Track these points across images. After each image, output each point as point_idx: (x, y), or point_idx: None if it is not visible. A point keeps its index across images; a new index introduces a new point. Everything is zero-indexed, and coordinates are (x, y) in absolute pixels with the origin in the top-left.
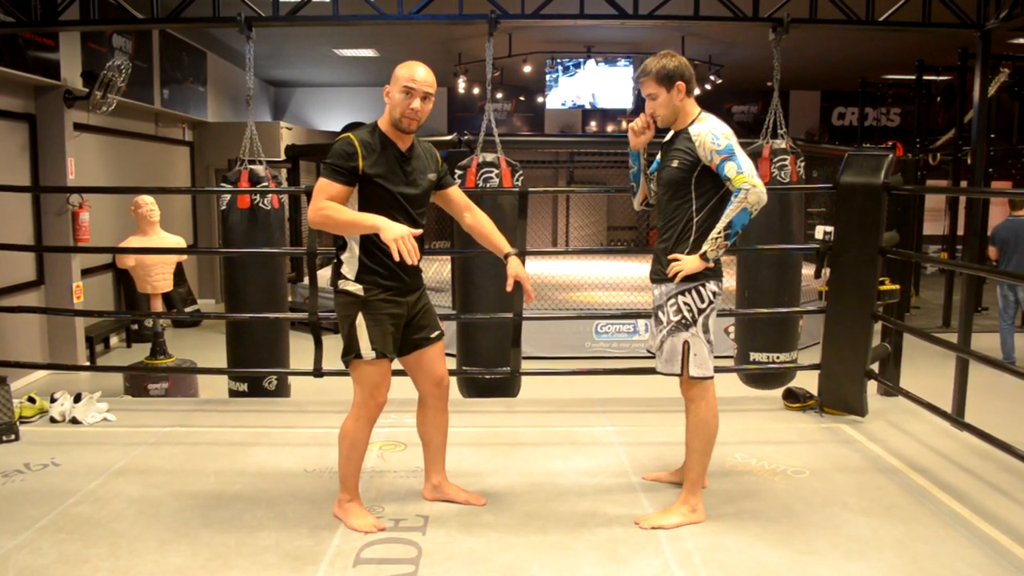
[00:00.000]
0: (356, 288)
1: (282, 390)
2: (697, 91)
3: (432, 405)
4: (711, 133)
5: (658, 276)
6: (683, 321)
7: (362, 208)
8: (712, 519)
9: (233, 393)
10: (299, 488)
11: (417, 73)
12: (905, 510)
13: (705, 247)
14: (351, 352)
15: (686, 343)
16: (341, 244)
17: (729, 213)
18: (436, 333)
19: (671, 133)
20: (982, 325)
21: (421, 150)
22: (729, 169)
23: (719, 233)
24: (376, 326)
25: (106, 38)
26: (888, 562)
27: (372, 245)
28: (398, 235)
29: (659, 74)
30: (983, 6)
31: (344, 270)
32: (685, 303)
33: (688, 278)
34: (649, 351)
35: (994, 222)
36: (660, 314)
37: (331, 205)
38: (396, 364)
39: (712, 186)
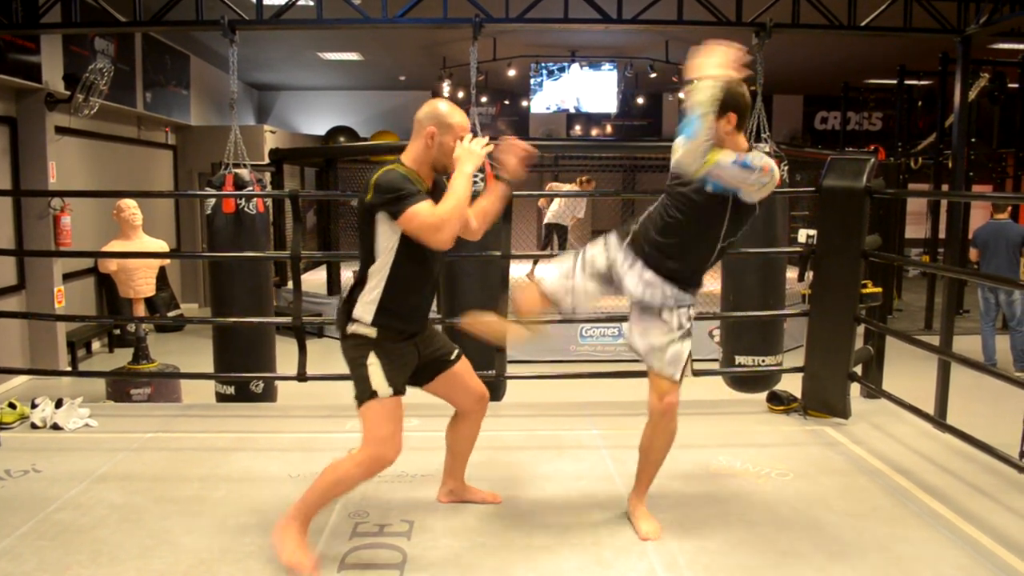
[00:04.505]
0: (369, 331)
1: (269, 394)
2: (681, 95)
3: (472, 419)
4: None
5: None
6: (689, 331)
7: (400, 248)
8: (697, 522)
9: (220, 396)
10: (283, 493)
11: (466, 120)
12: (888, 512)
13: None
14: (366, 393)
15: (690, 352)
16: (360, 279)
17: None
18: (455, 353)
19: None
20: (964, 327)
21: (442, 185)
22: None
23: None
24: (391, 364)
25: (88, 41)
26: (871, 563)
27: (398, 282)
28: (481, 151)
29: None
30: (963, 12)
31: (357, 311)
32: (689, 316)
33: (686, 293)
34: (634, 347)
35: (975, 225)
36: (666, 316)
37: (438, 210)
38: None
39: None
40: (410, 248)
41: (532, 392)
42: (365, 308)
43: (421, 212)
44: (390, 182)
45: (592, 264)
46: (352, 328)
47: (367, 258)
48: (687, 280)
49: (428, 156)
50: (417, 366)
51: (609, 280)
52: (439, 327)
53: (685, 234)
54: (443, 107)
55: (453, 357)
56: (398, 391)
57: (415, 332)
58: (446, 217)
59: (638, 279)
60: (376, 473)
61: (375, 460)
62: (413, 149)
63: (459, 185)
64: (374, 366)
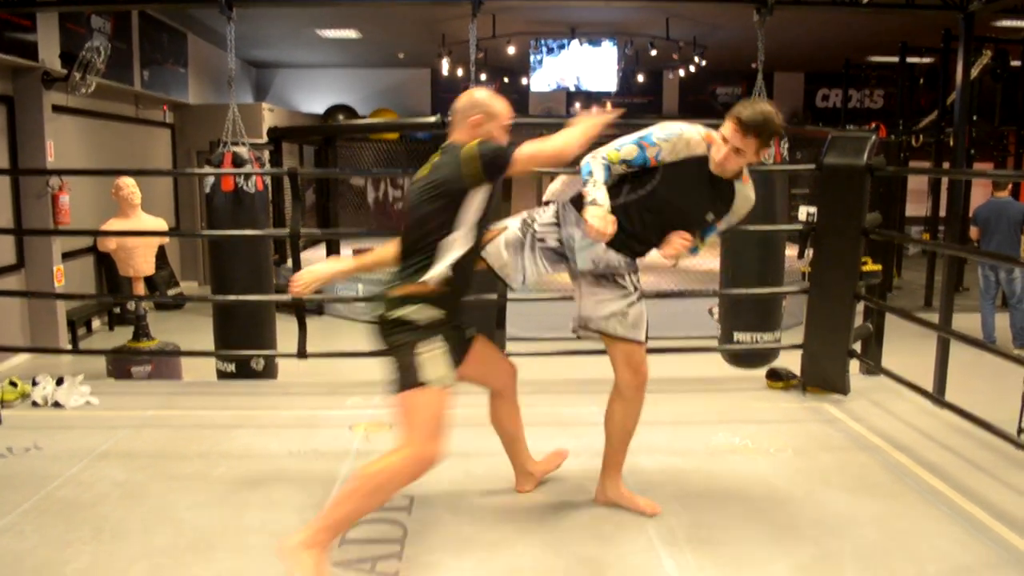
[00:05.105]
0: (432, 313)
1: (270, 371)
2: (682, 72)
3: (509, 397)
4: (751, 203)
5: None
6: (642, 293)
7: (478, 223)
8: (696, 497)
9: (221, 374)
10: (284, 469)
11: (509, 107)
12: (886, 488)
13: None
14: (416, 380)
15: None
16: (416, 258)
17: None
18: (471, 329)
19: (693, 165)
20: (963, 305)
21: None
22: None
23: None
24: (450, 349)
25: (84, 18)
26: (869, 539)
27: (467, 259)
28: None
29: (774, 135)
30: None
31: (414, 291)
32: (639, 278)
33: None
34: (587, 320)
35: (976, 203)
36: (620, 280)
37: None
38: None
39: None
40: (480, 224)
41: (532, 369)
42: (427, 287)
43: (528, 146)
44: (491, 147)
45: (543, 242)
46: (406, 311)
47: (437, 234)
48: (644, 253)
49: (473, 139)
50: None
51: (560, 257)
52: None
53: (652, 217)
54: (483, 95)
55: (470, 334)
56: (452, 381)
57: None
58: (553, 147)
59: (601, 253)
60: (420, 476)
61: (421, 461)
62: (462, 135)
63: (573, 129)
64: (438, 351)
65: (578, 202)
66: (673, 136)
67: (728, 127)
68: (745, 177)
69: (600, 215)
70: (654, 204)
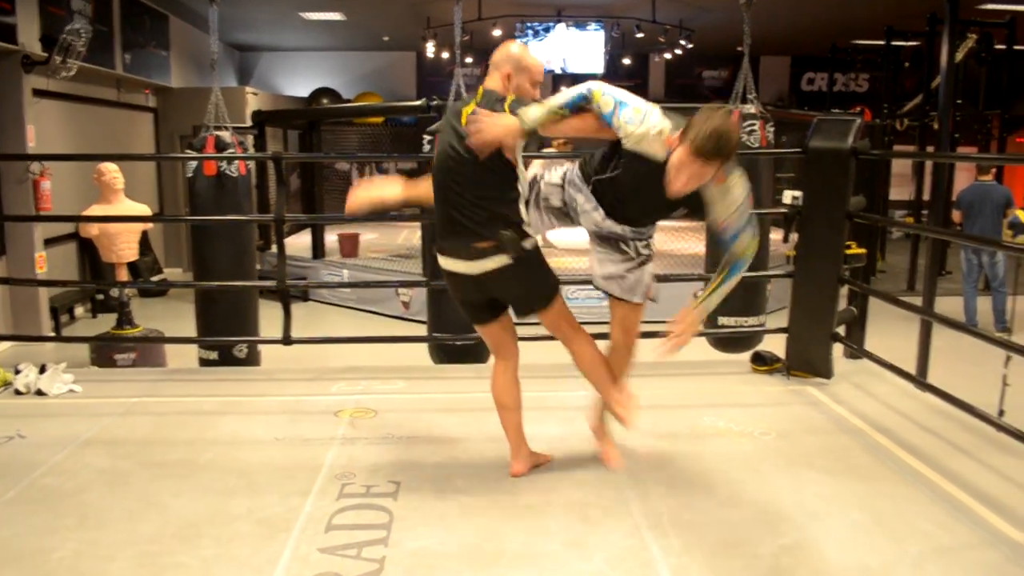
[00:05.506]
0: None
1: (253, 358)
2: (668, 56)
3: (516, 366)
4: (740, 199)
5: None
6: (648, 258)
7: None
8: (681, 480)
9: (203, 362)
10: (270, 456)
11: (540, 63)
12: (869, 470)
13: (704, 303)
14: (556, 289)
15: (652, 276)
16: (515, 195)
17: (729, 286)
18: None
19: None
20: (946, 288)
21: None
22: (749, 236)
23: (711, 298)
24: None
25: (65, 1)
26: (852, 520)
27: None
28: None
29: (733, 150)
30: None
31: (521, 226)
32: (647, 245)
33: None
34: (594, 278)
35: (960, 187)
36: (623, 246)
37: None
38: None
39: None
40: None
41: None
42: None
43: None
44: (523, 104)
45: (547, 200)
46: (528, 241)
47: (514, 178)
48: (644, 225)
49: (507, 91)
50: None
51: (565, 215)
52: (423, 289)
53: (625, 198)
54: (517, 49)
55: None
56: None
57: None
58: None
59: (600, 220)
60: None
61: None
62: (495, 83)
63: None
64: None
65: (584, 168)
66: (631, 125)
67: (683, 153)
68: (720, 177)
69: (501, 121)
70: (621, 188)
